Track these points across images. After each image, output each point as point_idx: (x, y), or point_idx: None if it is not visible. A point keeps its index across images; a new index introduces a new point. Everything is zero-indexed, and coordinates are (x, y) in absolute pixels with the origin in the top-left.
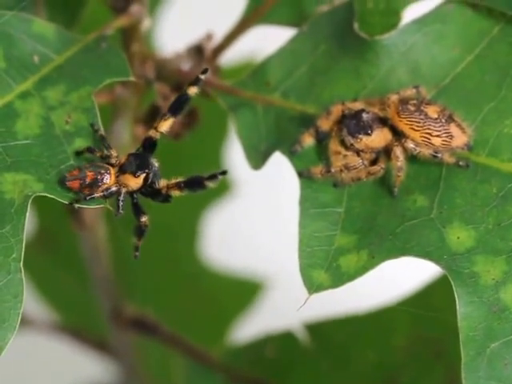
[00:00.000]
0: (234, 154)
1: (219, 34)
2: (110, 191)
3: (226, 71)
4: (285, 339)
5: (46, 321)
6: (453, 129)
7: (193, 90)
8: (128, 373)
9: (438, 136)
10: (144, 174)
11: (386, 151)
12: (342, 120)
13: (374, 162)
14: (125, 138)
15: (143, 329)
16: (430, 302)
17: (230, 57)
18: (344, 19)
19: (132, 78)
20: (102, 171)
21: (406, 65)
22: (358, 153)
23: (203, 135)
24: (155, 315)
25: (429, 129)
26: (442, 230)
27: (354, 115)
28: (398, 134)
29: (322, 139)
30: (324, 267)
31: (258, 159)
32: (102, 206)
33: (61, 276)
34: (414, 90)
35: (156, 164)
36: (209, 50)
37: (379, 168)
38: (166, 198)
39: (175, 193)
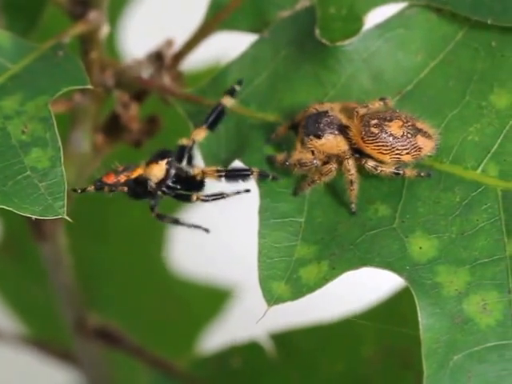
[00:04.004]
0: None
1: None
2: (138, 179)
3: (194, 76)
4: (251, 349)
5: (11, 331)
6: (420, 140)
7: (228, 101)
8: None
9: (407, 153)
10: (165, 160)
11: (339, 159)
12: (306, 118)
13: None
14: (84, 147)
15: (107, 339)
16: (398, 310)
17: (200, 61)
18: (305, 24)
19: (90, 86)
20: (131, 164)
21: (369, 71)
22: (312, 152)
23: (168, 141)
24: (123, 324)
25: (397, 149)
26: (404, 239)
27: (314, 116)
28: (360, 153)
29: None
30: (284, 279)
31: None
32: (60, 216)
33: (27, 286)
34: (382, 103)
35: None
36: (169, 56)
37: (330, 167)
38: (200, 186)
39: (212, 179)
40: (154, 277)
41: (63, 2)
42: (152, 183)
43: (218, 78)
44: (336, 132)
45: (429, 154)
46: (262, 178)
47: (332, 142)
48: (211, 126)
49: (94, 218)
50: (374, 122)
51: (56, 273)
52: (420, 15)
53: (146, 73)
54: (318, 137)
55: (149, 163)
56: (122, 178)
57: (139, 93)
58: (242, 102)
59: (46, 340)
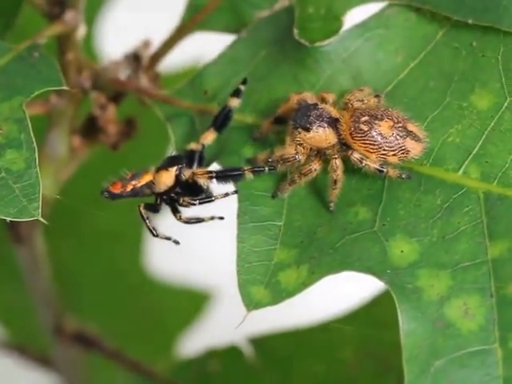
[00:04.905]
0: None
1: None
2: (148, 185)
3: (172, 77)
4: (229, 354)
5: None
6: (408, 143)
7: (234, 102)
8: None
9: (394, 155)
10: (175, 167)
11: (325, 155)
12: (294, 110)
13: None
14: (61, 149)
15: (85, 343)
16: (379, 314)
17: (179, 61)
18: (284, 25)
19: (65, 87)
20: (140, 171)
21: (348, 72)
22: (300, 145)
23: (147, 143)
24: (100, 329)
25: (384, 149)
26: (385, 243)
27: (304, 107)
28: (347, 146)
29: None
30: (263, 283)
31: None
32: (35, 218)
33: (5, 289)
34: (376, 99)
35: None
36: (146, 57)
37: (310, 167)
38: (201, 191)
39: (204, 181)
40: (133, 280)
41: (39, 2)
42: (161, 191)
43: (196, 79)
44: (325, 125)
45: (416, 156)
46: (256, 173)
47: (321, 135)
48: (220, 129)
49: (72, 221)
50: (364, 118)
51: (33, 276)
52: (400, 15)
53: (123, 74)
54: (307, 129)
55: (158, 170)
56: (129, 186)
57: (116, 94)
58: (220, 104)
59: (24, 344)
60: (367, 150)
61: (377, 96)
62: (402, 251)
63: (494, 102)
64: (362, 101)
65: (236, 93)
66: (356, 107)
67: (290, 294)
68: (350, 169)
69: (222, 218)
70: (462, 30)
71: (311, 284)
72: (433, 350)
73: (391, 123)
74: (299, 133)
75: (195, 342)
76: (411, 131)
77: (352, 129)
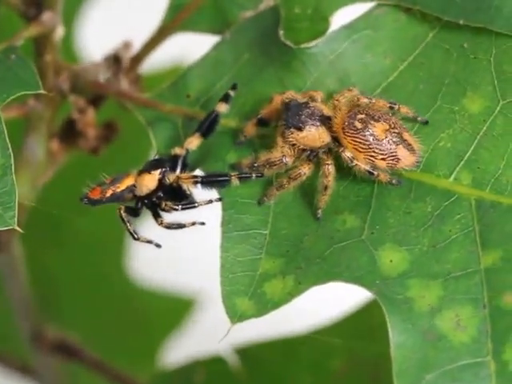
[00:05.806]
0: None
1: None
2: (129, 189)
3: (155, 79)
4: (214, 363)
5: None
6: (400, 151)
7: (222, 108)
8: None
9: (383, 159)
10: (158, 171)
11: (317, 156)
12: (284, 110)
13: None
14: (39, 153)
15: (65, 353)
16: (367, 323)
17: (161, 63)
18: (269, 25)
19: (42, 91)
20: (120, 175)
21: (335, 74)
22: (292, 146)
23: (128, 147)
24: (82, 337)
25: (374, 152)
26: (374, 252)
27: (295, 106)
28: (338, 142)
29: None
30: (248, 294)
31: None
32: (11, 227)
33: None
34: (388, 104)
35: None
36: (126, 59)
37: (299, 171)
38: (184, 196)
39: (190, 186)
40: (116, 287)
41: (16, 2)
42: (142, 194)
43: (179, 82)
44: (318, 123)
45: (406, 168)
46: (243, 180)
47: (314, 134)
48: (205, 134)
49: (51, 228)
50: (360, 116)
51: (11, 284)
52: (389, 15)
53: (102, 76)
54: (299, 129)
55: (141, 173)
56: (109, 191)
57: (96, 97)
58: (203, 108)
59: (4, 351)
60: (356, 149)
61: (391, 103)
62: (391, 260)
63: (486, 105)
64: (371, 99)
65: (225, 98)
66: (361, 102)
67: (276, 305)
68: (338, 175)
69: (203, 224)
70: (453, 31)
71: (298, 295)
72: (424, 362)
73: (387, 127)
74: (292, 133)
75: (180, 349)
76: (406, 140)
77: (346, 124)
